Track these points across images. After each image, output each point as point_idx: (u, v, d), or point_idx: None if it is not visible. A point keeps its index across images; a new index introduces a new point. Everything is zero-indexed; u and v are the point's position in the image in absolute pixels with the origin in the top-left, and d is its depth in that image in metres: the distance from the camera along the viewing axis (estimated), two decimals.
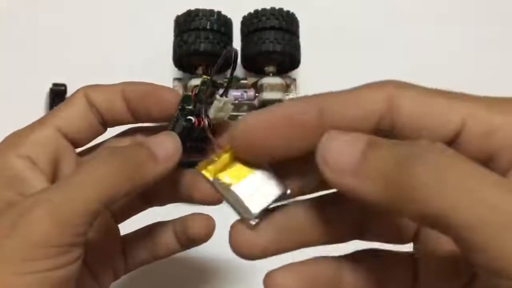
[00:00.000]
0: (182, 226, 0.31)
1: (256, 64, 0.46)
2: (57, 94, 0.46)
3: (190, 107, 0.27)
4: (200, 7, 0.44)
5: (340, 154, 0.18)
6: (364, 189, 0.18)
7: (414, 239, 0.23)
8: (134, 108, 0.28)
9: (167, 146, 0.25)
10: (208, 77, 0.27)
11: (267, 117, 0.20)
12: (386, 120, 0.19)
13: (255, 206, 0.21)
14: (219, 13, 0.44)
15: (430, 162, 0.16)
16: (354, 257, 0.23)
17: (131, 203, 0.31)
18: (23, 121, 0.46)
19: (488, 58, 0.50)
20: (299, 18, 0.46)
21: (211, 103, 0.27)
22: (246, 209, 0.21)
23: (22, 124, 0.47)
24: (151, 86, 0.28)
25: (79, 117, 0.28)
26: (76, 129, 0.28)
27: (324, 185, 0.20)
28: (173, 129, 0.27)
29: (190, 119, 0.27)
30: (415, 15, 0.53)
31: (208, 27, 0.43)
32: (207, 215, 0.31)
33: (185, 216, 0.32)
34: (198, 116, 0.27)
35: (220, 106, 0.27)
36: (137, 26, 0.51)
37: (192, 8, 0.44)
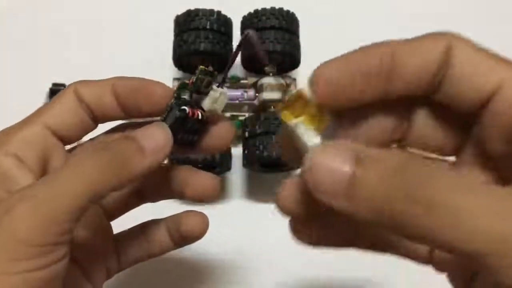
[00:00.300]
0: (176, 224, 0.31)
1: (256, 63, 0.45)
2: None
3: (185, 96, 0.27)
4: (200, 7, 0.44)
5: (330, 178, 0.18)
6: (357, 211, 0.18)
7: None
8: (124, 104, 0.27)
9: (156, 138, 0.25)
10: (205, 67, 0.26)
11: (347, 63, 0.21)
12: (442, 70, 0.20)
13: None
14: (219, 12, 0.44)
15: (418, 194, 0.17)
16: None
17: (123, 199, 0.31)
18: None
19: None
20: (299, 18, 0.46)
21: (207, 93, 0.26)
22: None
23: None
24: (141, 81, 0.28)
25: (68, 113, 0.27)
26: (65, 126, 0.27)
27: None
28: (165, 119, 0.26)
29: (184, 109, 0.26)
30: (415, 14, 0.53)
31: (208, 26, 0.43)
32: (201, 212, 0.31)
33: (179, 213, 0.31)
34: (192, 107, 0.26)
35: (216, 97, 0.26)
36: (137, 26, 0.51)
37: (192, 8, 0.44)
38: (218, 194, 0.30)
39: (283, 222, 0.39)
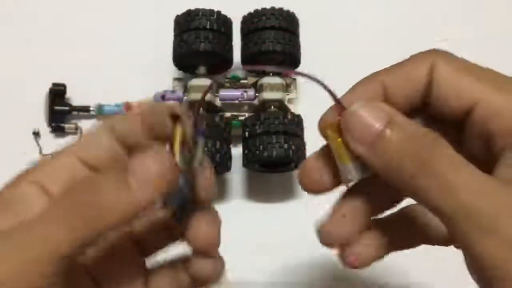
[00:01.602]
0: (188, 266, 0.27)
1: (256, 63, 0.45)
2: (57, 94, 0.46)
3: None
4: (200, 7, 0.44)
5: (363, 126, 0.22)
6: (374, 160, 0.22)
7: None
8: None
9: (151, 172, 0.21)
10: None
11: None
12: (427, 91, 0.23)
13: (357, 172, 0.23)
14: (219, 12, 0.44)
15: (434, 168, 0.20)
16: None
17: (156, 237, 0.28)
18: (23, 121, 0.46)
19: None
20: (299, 17, 0.46)
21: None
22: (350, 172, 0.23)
23: (22, 124, 0.47)
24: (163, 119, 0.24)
25: (102, 146, 0.25)
26: (98, 157, 0.25)
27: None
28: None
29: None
30: (415, 15, 0.53)
31: (208, 26, 0.43)
32: (213, 258, 0.26)
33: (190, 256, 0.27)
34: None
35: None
36: (137, 26, 0.51)
37: (192, 8, 0.44)
38: (218, 243, 0.26)
39: (283, 223, 0.39)
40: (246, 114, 0.45)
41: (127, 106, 0.46)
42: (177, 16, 0.45)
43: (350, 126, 0.22)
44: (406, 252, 0.26)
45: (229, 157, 0.43)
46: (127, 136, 0.25)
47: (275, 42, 0.44)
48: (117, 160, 0.25)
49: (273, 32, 0.44)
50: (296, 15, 0.46)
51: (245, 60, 0.45)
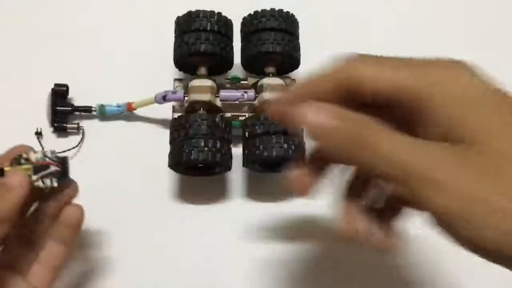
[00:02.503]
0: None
1: (256, 64, 0.46)
2: (59, 94, 0.46)
3: None
4: (201, 8, 0.44)
5: (316, 117, 0.27)
6: (327, 141, 0.27)
7: None
8: None
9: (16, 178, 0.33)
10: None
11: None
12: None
13: None
14: (219, 14, 0.45)
15: (368, 140, 0.26)
16: None
17: None
18: (25, 121, 0.46)
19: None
20: (299, 19, 0.46)
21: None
22: None
23: (23, 124, 0.47)
24: None
25: None
26: None
27: None
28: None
29: None
30: (416, 15, 0.53)
31: (208, 28, 0.44)
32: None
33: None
34: None
35: None
36: (138, 27, 0.51)
37: (193, 9, 0.45)
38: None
39: (283, 222, 0.40)
40: (246, 115, 0.45)
41: (129, 106, 0.46)
42: (178, 17, 0.45)
43: (306, 116, 0.27)
44: None
45: (229, 156, 0.43)
46: None
47: (275, 43, 0.44)
48: None
49: (273, 33, 0.44)
50: (296, 16, 0.46)
51: (245, 61, 0.46)
